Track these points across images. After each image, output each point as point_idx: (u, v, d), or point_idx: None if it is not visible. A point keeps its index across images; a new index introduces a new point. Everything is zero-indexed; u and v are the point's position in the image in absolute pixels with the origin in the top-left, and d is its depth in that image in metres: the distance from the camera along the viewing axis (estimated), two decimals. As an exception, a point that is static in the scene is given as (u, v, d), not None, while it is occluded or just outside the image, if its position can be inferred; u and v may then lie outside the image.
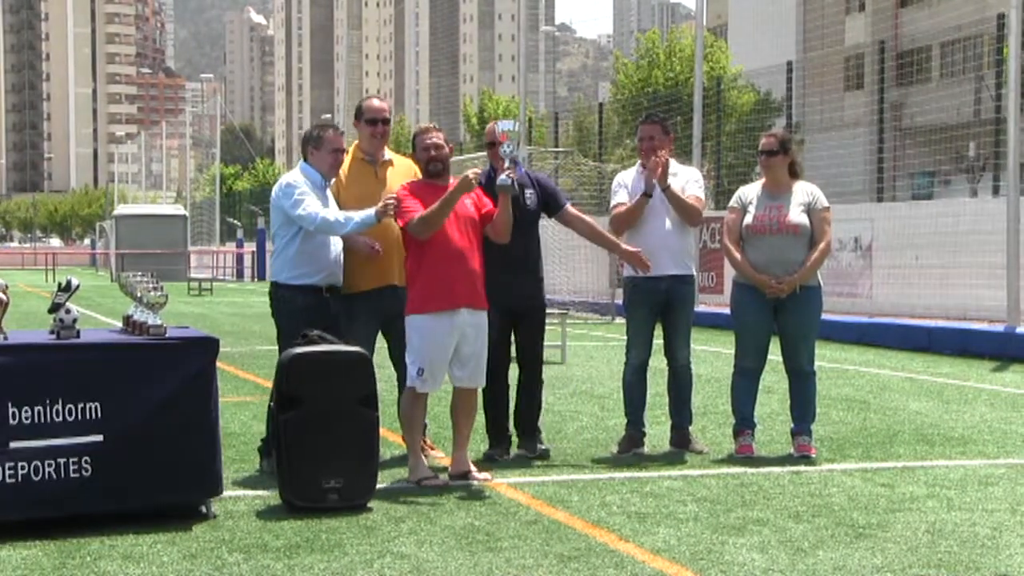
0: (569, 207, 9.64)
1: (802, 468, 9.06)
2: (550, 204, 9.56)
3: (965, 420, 11.56)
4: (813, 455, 9.42)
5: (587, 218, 9.79)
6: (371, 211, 8.48)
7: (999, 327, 18.46)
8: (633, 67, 54.62)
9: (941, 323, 20.21)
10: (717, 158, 31.62)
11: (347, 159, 9.19)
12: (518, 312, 9.34)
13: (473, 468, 8.65)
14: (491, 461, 9.23)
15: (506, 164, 8.67)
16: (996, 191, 23.63)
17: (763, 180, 9.63)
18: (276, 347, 8.86)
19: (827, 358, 17.94)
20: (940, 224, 22.00)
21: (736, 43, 65.74)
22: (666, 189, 9.50)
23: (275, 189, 8.86)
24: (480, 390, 9.01)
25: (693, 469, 9.04)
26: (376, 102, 9.43)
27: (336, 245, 8.86)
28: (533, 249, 9.49)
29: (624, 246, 9.54)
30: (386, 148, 9.40)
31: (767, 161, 9.50)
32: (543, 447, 9.58)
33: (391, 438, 9.73)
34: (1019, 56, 18.49)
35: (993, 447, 10.09)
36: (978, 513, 7.59)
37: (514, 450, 9.58)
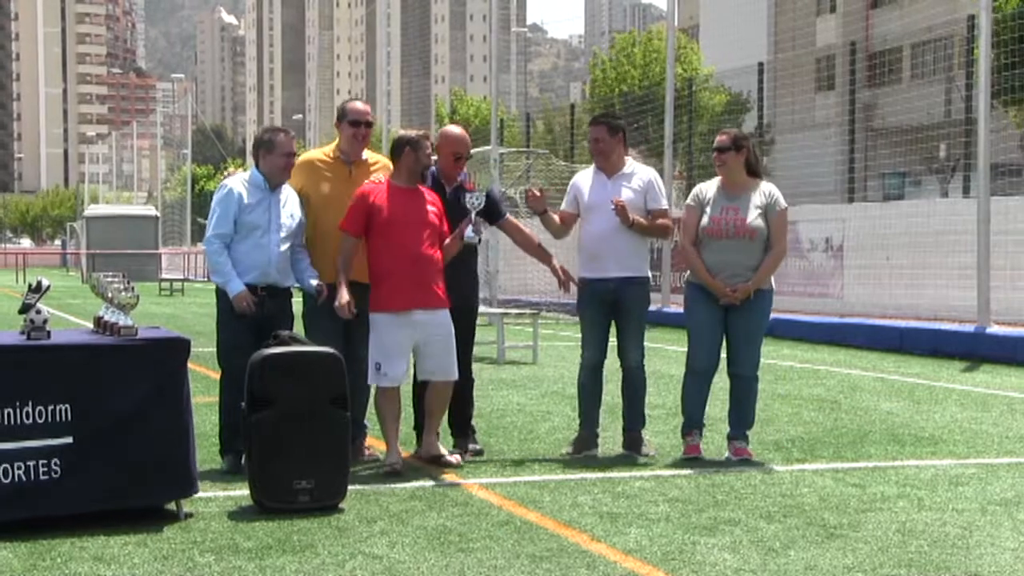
0: (509, 217, 9.83)
1: (773, 468, 9.09)
2: (492, 213, 9.62)
3: (936, 420, 11.60)
4: (751, 458, 9.39)
5: (525, 230, 9.97)
6: (239, 289, 8.80)
7: (969, 327, 18.54)
8: (610, 64, 54.66)
9: (912, 323, 20.29)
10: (689, 158, 31.70)
11: (327, 158, 9.40)
12: (452, 312, 9.43)
13: (444, 451, 9.04)
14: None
15: (473, 216, 9.06)
16: (967, 191, 23.73)
17: (720, 178, 9.59)
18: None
19: (798, 358, 18.01)
20: (911, 224, 22.10)
21: (708, 44, 65.87)
22: (632, 225, 9.48)
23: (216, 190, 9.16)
24: (412, 386, 9.49)
25: (665, 469, 9.05)
26: (360, 105, 9.55)
27: (276, 247, 8.95)
28: (469, 251, 9.53)
29: (555, 263, 9.77)
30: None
31: (719, 158, 9.41)
32: (476, 446, 9.66)
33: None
34: (989, 57, 18.59)
35: (963, 447, 10.13)
36: (948, 513, 7.62)
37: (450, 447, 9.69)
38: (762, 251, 9.34)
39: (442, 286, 8.96)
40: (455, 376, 9.10)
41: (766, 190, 9.46)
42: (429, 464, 8.96)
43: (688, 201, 9.60)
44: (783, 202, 9.47)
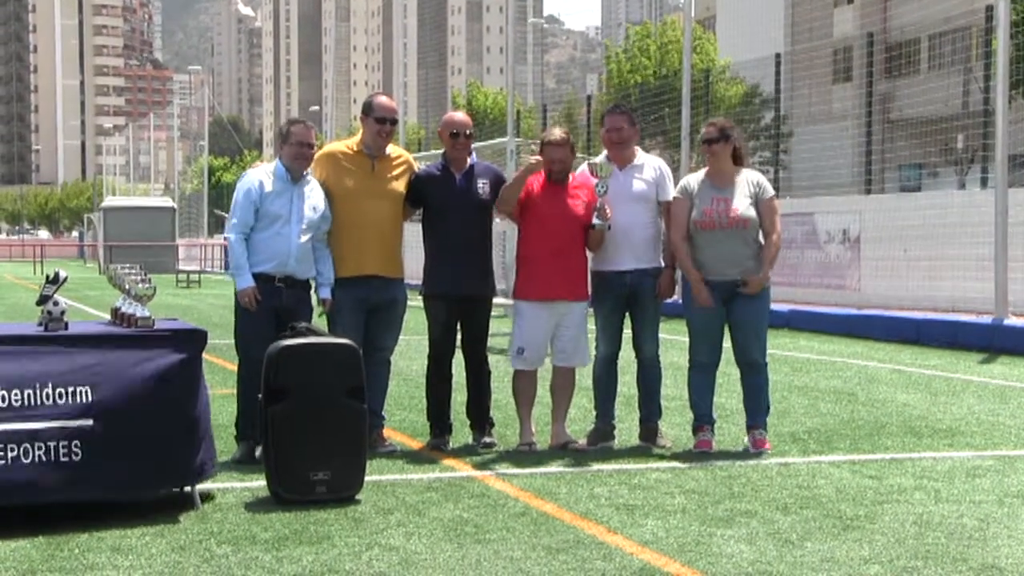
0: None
1: (790, 460, 9.08)
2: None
3: (953, 412, 11.58)
4: (768, 449, 9.38)
5: None
6: (246, 284, 8.90)
7: (987, 319, 18.50)
8: (624, 56, 54.60)
9: (929, 315, 20.24)
10: (706, 150, 31.63)
11: (350, 151, 9.43)
12: (464, 301, 9.48)
13: (572, 437, 9.52)
14: (437, 451, 9.39)
15: (599, 203, 9.20)
16: (984, 183, 23.70)
17: (706, 169, 9.53)
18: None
19: (815, 350, 17.99)
20: (928, 216, 22.07)
21: (725, 35, 65.72)
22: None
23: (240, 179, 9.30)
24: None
25: (681, 461, 9.04)
26: (386, 100, 9.61)
27: (297, 238, 9.00)
28: (481, 238, 9.58)
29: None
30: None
31: (709, 149, 9.37)
32: (488, 439, 9.62)
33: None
34: (1007, 48, 18.53)
35: (981, 439, 10.10)
36: (965, 505, 7.60)
37: (465, 440, 9.72)
38: (755, 240, 9.31)
39: (582, 278, 9.43)
40: (579, 364, 9.59)
41: (753, 179, 9.43)
42: (558, 450, 9.34)
43: (676, 193, 9.51)
44: (771, 190, 9.47)
